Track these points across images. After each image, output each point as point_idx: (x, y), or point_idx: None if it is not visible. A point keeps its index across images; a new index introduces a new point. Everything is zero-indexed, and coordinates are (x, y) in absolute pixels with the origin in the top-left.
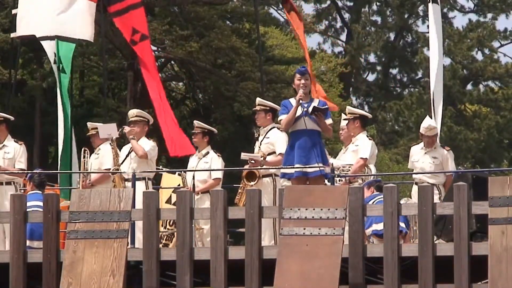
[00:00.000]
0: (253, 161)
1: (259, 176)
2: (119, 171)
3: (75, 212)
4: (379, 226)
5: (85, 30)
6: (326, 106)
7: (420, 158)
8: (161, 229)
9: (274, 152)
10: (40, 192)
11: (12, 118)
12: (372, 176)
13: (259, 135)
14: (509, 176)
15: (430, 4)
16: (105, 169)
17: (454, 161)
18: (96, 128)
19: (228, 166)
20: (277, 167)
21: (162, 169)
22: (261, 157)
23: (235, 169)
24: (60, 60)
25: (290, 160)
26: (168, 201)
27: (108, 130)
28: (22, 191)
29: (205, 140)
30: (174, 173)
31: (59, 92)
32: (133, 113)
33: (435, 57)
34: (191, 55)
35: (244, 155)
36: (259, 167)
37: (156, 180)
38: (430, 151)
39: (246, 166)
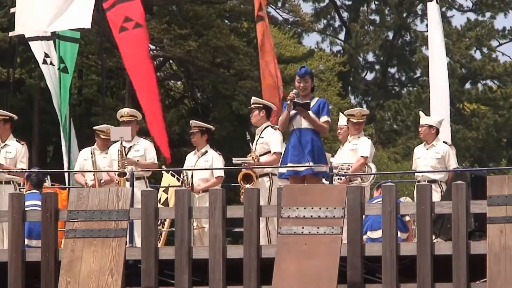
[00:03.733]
0: (246, 164)
1: (256, 177)
2: (123, 171)
3: (73, 211)
4: (373, 234)
5: (82, 18)
6: (307, 101)
7: (422, 155)
8: None
9: (270, 152)
10: (38, 191)
11: (15, 117)
12: (373, 176)
13: (254, 137)
14: (508, 175)
15: (430, 3)
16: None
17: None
18: (103, 130)
19: (226, 165)
20: (272, 166)
21: (162, 168)
22: (253, 159)
23: (233, 168)
24: (62, 60)
25: (284, 159)
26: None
27: (121, 133)
28: (23, 190)
29: (204, 138)
30: (168, 172)
31: (56, 92)
32: (126, 112)
33: (437, 58)
34: (189, 54)
35: (235, 160)
36: (254, 167)
37: (157, 180)
38: (432, 147)
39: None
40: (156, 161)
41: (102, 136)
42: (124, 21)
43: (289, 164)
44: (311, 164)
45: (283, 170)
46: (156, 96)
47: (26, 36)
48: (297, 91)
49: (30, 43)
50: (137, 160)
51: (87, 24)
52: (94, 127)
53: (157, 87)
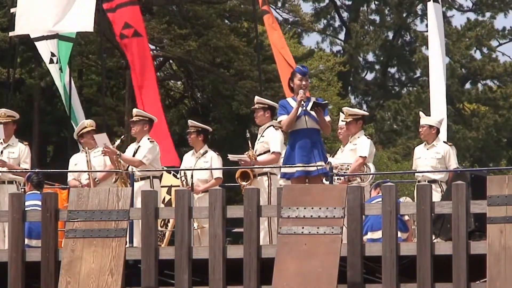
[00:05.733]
0: (242, 162)
1: (253, 175)
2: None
3: (73, 211)
4: (375, 235)
5: (84, 21)
6: (326, 102)
7: (422, 155)
8: None
9: (269, 151)
10: (39, 192)
11: (17, 115)
12: (372, 176)
13: (256, 135)
14: (508, 175)
15: (429, 3)
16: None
17: None
18: (85, 126)
19: (226, 165)
20: (271, 165)
21: (162, 168)
22: (249, 157)
23: (234, 168)
24: (59, 59)
25: (291, 160)
26: (162, 201)
27: (103, 139)
28: (22, 190)
29: (200, 138)
30: (170, 172)
31: (62, 91)
32: (133, 112)
33: (436, 57)
34: (189, 54)
35: (231, 157)
36: (253, 166)
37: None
38: (432, 147)
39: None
40: (142, 159)
41: (84, 131)
42: (124, 28)
43: (297, 164)
44: (323, 164)
45: (291, 170)
46: (158, 101)
47: (32, 36)
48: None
49: (36, 43)
50: (118, 154)
51: (89, 27)
52: (76, 133)
53: (159, 94)
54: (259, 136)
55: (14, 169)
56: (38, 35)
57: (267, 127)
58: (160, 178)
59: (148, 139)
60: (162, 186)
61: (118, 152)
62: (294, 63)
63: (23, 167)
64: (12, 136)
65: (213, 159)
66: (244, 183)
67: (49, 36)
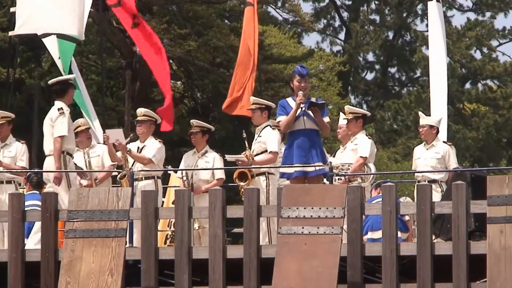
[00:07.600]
0: (240, 162)
1: (251, 176)
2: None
3: (73, 211)
4: (375, 235)
5: (76, 27)
6: (324, 102)
7: (421, 155)
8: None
9: (267, 151)
10: (38, 192)
11: (12, 115)
12: (372, 176)
13: (254, 135)
14: (508, 175)
15: (430, 2)
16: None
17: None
18: (79, 125)
19: (225, 165)
20: (269, 165)
21: (164, 168)
22: (247, 157)
23: (233, 168)
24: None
25: (289, 160)
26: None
27: (116, 135)
28: (22, 190)
29: (205, 138)
30: (176, 172)
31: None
32: (140, 112)
33: (437, 56)
34: (189, 54)
35: (229, 157)
36: (251, 167)
37: (164, 180)
38: (432, 147)
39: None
40: (152, 158)
41: (78, 129)
42: (134, 18)
43: (296, 164)
44: (321, 165)
45: (289, 170)
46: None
47: (38, 34)
48: (302, 92)
49: (44, 40)
50: (128, 150)
51: (81, 35)
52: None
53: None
54: (256, 136)
55: (12, 169)
56: (42, 33)
57: (264, 127)
58: (162, 178)
59: (156, 139)
60: (172, 186)
61: (128, 148)
62: (256, 52)
63: (19, 165)
64: (9, 136)
65: (215, 159)
66: (242, 183)
67: (49, 34)
